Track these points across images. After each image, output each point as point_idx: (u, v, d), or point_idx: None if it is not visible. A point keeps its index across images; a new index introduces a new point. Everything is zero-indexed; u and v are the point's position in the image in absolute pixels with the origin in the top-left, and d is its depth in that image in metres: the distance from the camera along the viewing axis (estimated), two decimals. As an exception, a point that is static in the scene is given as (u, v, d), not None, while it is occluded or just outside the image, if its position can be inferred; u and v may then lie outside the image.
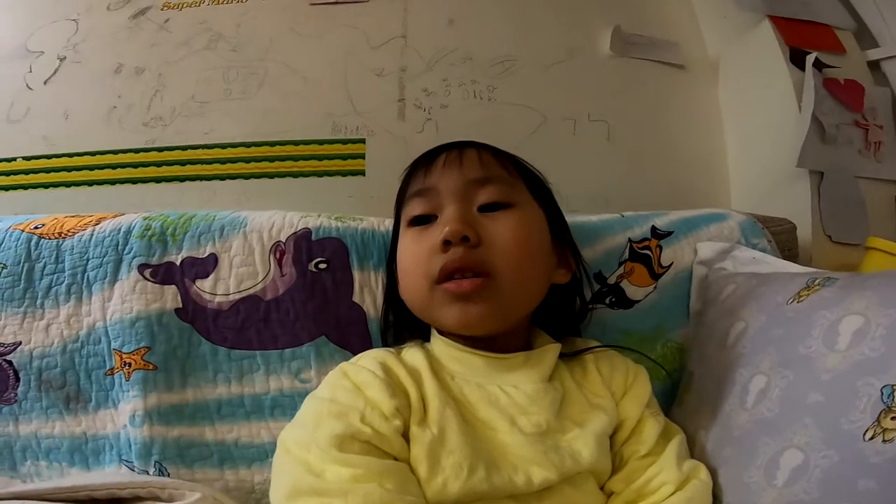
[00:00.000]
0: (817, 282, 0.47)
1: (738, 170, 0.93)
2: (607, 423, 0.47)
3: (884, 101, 0.86)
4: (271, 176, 0.85)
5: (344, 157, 0.86)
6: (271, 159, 0.86)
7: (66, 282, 0.59)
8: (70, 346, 0.58)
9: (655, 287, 0.64)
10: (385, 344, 0.57)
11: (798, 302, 0.47)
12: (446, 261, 0.46)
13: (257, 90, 0.88)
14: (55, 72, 0.91)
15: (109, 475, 0.56)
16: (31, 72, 0.91)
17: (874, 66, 0.89)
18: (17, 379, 0.58)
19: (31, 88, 0.90)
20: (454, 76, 0.90)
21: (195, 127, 0.87)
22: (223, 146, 0.86)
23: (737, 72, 0.94)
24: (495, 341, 0.48)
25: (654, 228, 0.66)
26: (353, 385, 0.45)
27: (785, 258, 0.67)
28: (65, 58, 0.91)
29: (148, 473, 0.56)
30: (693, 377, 0.56)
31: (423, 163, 0.53)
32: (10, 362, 0.58)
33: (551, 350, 0.50)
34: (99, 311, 0.58)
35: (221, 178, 0.85)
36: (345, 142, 0.86)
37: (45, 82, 0.90)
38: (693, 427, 0.50)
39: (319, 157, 0.86)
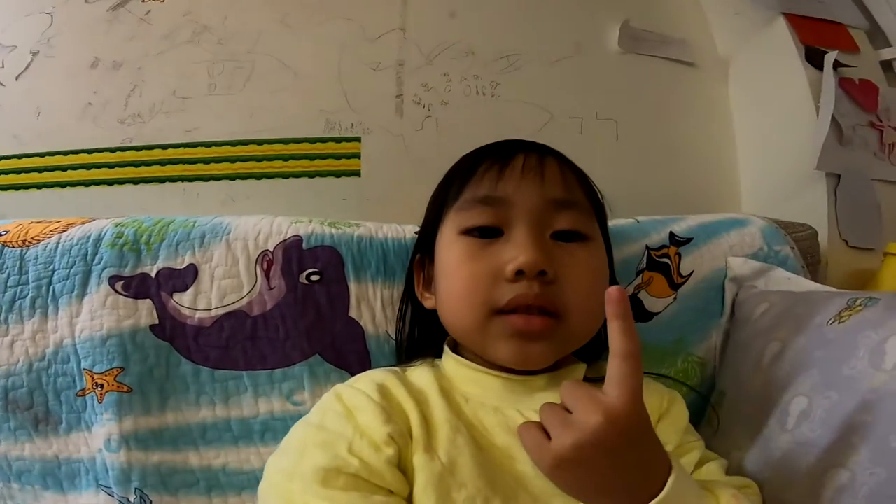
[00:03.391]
0: (859, 302, 0.45)
1: (750, 171, 0.91)
2: None
3: (898, 102, 0.84)
4: (259, 177, 0.80)
5: (338, 157, 0.81)
6: (259, 159, 0.80)
7: (30, 294, 0.53)
8: (36, 365, 0.53)
9: (675, 298, 0.61)
10: (399, 361, 0.52)
11: (839, 322, 0.45)
12: (517, 294, 0.40)
13: (244, 85, 0.83)
14: (27, 67, 0.85)
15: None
16: (2, 67, 0.85)
17: (886, 65, 0.88)
18: (-18, 399, 0.53)
19: (2, 84, 0.85)
20: (455, 71, 0.86)
21: (176, 124, 0.81)
22: (207, 145, 0.81)
23: (749, 70, 0.92)
24: None
25: (672, 235, 0.63)
26: (344, 409, 0.40)
27: (807, 265, 0.66)
28: (38, 52, 0.86)
29: (129, 501, 0.52)
30: (725, 397, 0.55)
31: (494, 161, 0.45)
32: (-28, 381, 0.53)
33: (576, 371, 0.46)
34: (66, 327, 0.53)
35: (205, 178, 0.80)
36: (339, 140, 0.81)
37: (16, 78, 0.85)
38: (726, 447, 0.49)
39: (311, 157, 0.81)
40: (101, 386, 0.51)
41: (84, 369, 0.52)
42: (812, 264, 0.68)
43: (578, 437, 0.31)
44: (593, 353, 0.51)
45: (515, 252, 0.41)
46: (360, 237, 0.57)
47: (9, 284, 0.54)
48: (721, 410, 0.54)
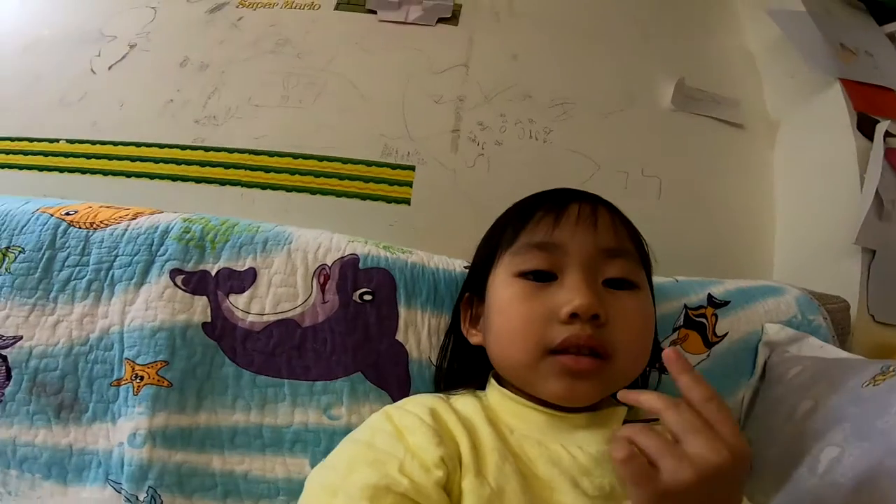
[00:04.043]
0: (892, 368, 0.47)
1: (785, 238, 0.90)
2: None
3: (938, 177, 0.81)
4: (314, 192, 0.82)
5: (391, 183, 0.82)
6: (317, 174, 0.82)
7: (87, 277, 0.54)
8: (77, 349, 0.53)
9: (708, 355, 0.61)
10: (437, 389, 0.53)
11: (874, 385, 0.46)
12: (570, 334, 0.42)
13: (314, 101, 0.86)
14: (122, 58, 0.89)
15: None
16: (98, 56, 0.90)
17: None
18: (8, 377, 0.53)
19: (94, 73, 0.89)
20: (511, 113, 0.88)
21: (246, 130, 0.84)
22: (270, 154, 0.83)
23: (797, 135, 0.90)
24: None
25: (710, 297, 0.64)
26: (395, 430, 0.41)
27: (838, 335, 0.66)
28: (135, 45, 0.90)
29: (138, 499, 0.50)
30: (752, 445, 0.54)
31: (552, 210, 0.47)
32: (3, 357, 0.53)
33: (618, 413, 0.46)
34: (118, 314, 0.53)
35: (263, 186, 0.82)
36: (394, 167, 0.83)
37: (109, 68, 0.89)
38: (751, 491, 0.49)
39: (366, 180, 0.82)
40: (141, 378, 0.51)
41: (126, 359, 0.52)
42: (842, 335, 0.68)
43: (702, 472, 0.31)
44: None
45: (570, 296, 0.42)
46: (414, 264, 0.58)
47: (67, 263, 0.55)
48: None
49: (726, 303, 0.63)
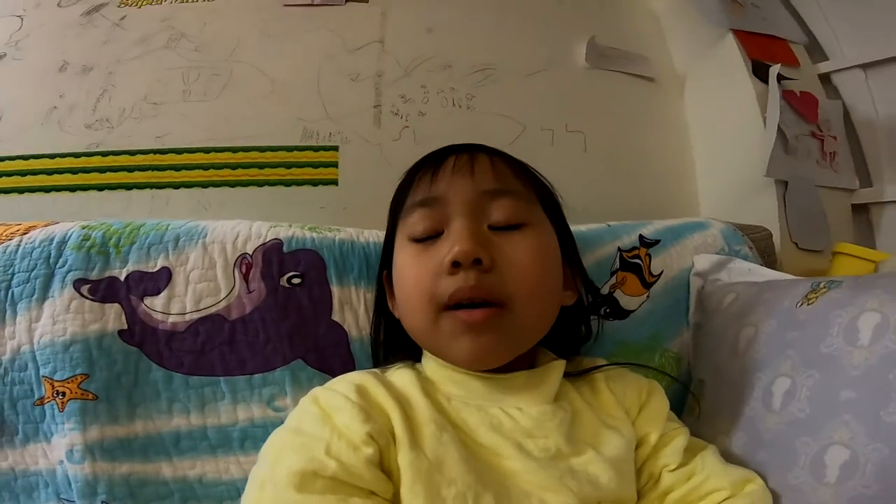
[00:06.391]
0: (822, 285, 0.47)
1: (706, 179, 0.95)
2: (625, 447, 0.43)
3: (836, 113, 0.88)
4: (233, 185, 0.78)
5: (315, 165, 0.80)
6: (234, 166, 0.78)
7: (-14, 300, 0.50)
8: None
9: (648, 296, 0.63)
10: (376, 363, 0.52)
11: (808, 304, 0.46)
12: (456, 287, 0.40)
13: (220, 92, 0.82)
14: None
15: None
16: None
17: (824, 78, 0.92)
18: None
19: None
20: (433, 83, 0.87)
21: (147, 130, 0.79)
22: (178, 151, 0.78)
23: (703, 84, 0.96)
24: None
25: (641, 237, 0.66)
26: (321, 412, 0.39)
27: (765, 264, 0.69)
28: (4, 55, 0.83)
29: None
30: (704, 385, 0.56)
31: (429, 166, 0.46)
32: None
33: (555, 367, 0.46)
34: (25, 333, 0.50)
35: (175, 185, 0.77)
36: (316, 149, 0.81)
37: None
38: (711, 434, 0.49)
39: (288, 165, 0.79)
40: (63, 394, 0.49)
41: (43, 377, 0.49)
42: (768, 263, 0.71)
43: None
44: (569, 348, 0.52)
45: (451, 244, 0.41)
46: (342, 241, 0.56)
47: (-38, 290, 0.50)
48: (702, 399, 0.55)
49: (657, 241, 0.65)
